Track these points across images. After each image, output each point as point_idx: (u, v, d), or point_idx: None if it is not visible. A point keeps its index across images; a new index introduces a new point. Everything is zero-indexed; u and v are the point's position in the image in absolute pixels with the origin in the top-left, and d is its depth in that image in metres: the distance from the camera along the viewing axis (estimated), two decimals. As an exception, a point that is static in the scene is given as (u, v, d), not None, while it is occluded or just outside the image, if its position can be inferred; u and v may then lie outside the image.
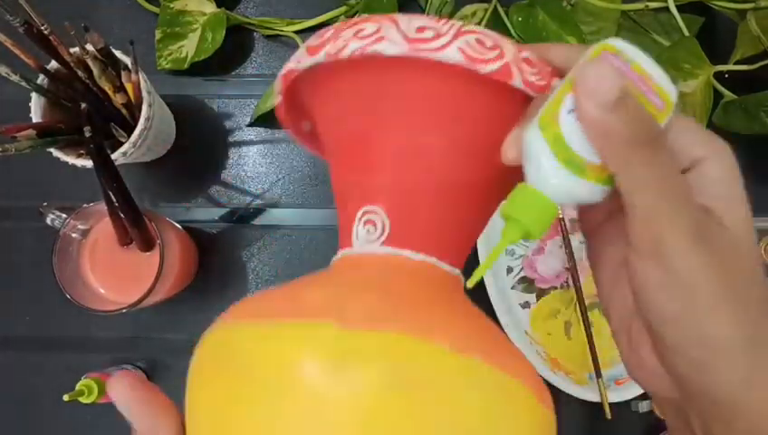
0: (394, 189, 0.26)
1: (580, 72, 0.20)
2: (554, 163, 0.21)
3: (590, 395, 0.49)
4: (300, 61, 0.24)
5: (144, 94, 0.47)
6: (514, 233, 0.23)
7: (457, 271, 0.27)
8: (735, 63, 0.52)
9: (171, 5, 0.55)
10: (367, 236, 0.26)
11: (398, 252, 0.26)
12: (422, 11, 0.57)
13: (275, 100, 0.28)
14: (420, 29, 0.22)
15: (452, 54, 0.22)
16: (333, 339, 0.20)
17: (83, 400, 0.47)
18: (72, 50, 0.46)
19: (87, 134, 0.40)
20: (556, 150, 0.21)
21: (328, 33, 0.24)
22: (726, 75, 0.52)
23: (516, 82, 0.23)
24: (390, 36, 0.22)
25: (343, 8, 0.56)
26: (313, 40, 0.25)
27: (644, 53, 0.21)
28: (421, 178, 0.25)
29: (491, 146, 0.25)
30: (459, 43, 0.22)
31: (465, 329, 0.23)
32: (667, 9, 0.51)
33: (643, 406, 0.51)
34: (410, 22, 0.23)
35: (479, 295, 0.50)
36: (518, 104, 0.24)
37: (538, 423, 0.23)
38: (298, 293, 0.23)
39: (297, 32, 0.57)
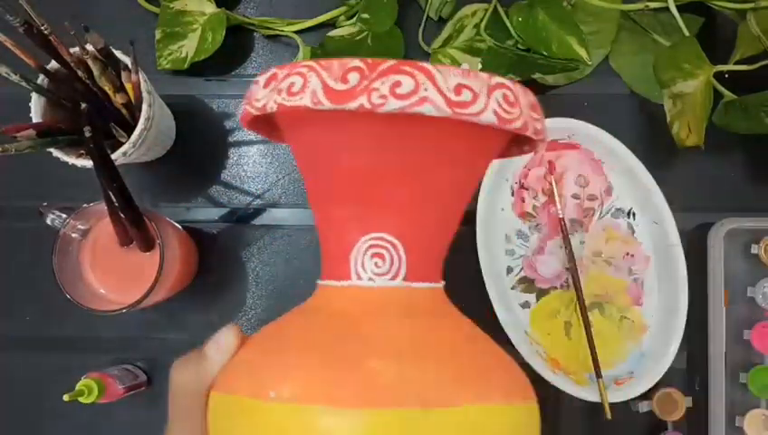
0: (408, 224, 0.26)
1: None
2: None
3: (590, 395, 0.49)
4: (317, 103, 0.23)
5: (144, 94, 0.47)
6: None
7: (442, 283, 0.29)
8: (735, 63, 0.52)
9: (171, 5, 0.55)
10: (376, 268, 0.27)
11: (418, 285, 0.27)
12: (422, 11, 0.57)
13: (246, 107, 0.27)
14: (458, 89, 0.23)
15: (488, 118, 0.23)
16: (421, 423, 0.23)
17: (83, 400, 0.47)
18: (72, 50, 0.46)
19: (87, 134, 0.40)
20: None
21: (350, 75, 0.23)
22: (726, 75, 0.52)
23: (530, 132, 0.25)
24: (433, 98, 0.22)
25: (343, 8, 0.56)
26: (333, 81, 0.23)
27: None
28: (431, 210, 0.27)
29: (478, 170, 0.28)
30: (493, 105, 0.23)
31: (495, 369, 0.26)
32: (667, 9, 0.51)
33: (643, 406, 0.51)
34: (447, 79, 0.23)
35: (479, 296, 0.50)
36: (504, 136, 0.27)
37: (536, 420, 0.26)
38: (364, 365, 0.24)
39: (297, 32, 0.57)
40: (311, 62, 0.24)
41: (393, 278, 0.27)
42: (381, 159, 0.25)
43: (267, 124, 0.30)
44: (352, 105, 0.22)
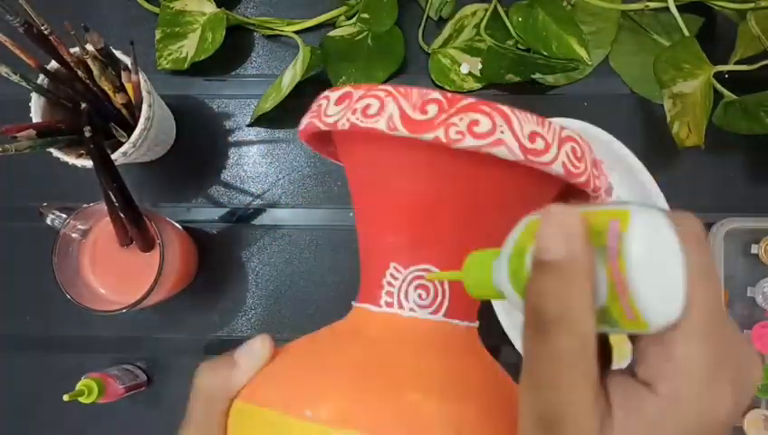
0: (456, 261, 0.25)
1: (545, 222, 0.19)
2: (510, 289, 0.21)
3: (590, 395, 0.49)
4: (393, 129, 0.23)
5: (144, 94, 0.47)
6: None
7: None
8: (735, 64, 0.52)
9: (171, 5, 0.55)
10: (419, 300, 0.27)
11: (456, 323, 0.27)
12: (422, 11, 0.57)
13: (314, 121, 0.27)
14: (532, 137, 0.23)
15: (558, 169, 0.24)
16: None
17: (83, 400, 0.47)
18: (72, 50, 0.46)
19: (87, 134, 0.40)
20: (513, 282, 0.21)
21: (429, 107, 0.23)
22: (726, 75, 0.52)
23: (590, 188, 0.25)
24: (508, 142, 0.23)
25: (343, 8, 0.56)
26: (411, 110, 0.24)
27: (665, 246, 0.18)
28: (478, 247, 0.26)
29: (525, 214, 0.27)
30: (563, 157, 0.24)
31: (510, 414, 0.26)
32: (667, 9, 0.51)
33: (643, 406, 0.51)
34: (523, 125, 0.23)
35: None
36: (559, 184, 0.27)
37: None
38: (403, 397, 0.24)
39: (297, 32, 0.57)
40: (389, 87, 0.24)
41: (435, 312, 0.27)
42: (440, 191, 0.25)
43: (322, 138, 0.30)
44: (428, 136, 0.23)
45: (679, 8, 0.51)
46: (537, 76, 0.54)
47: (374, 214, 0.27)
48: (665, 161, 0.55)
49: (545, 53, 0.53)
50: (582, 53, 0.52)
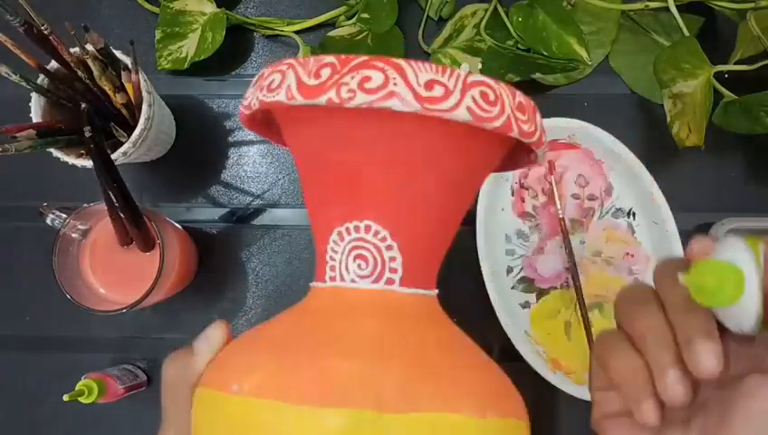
0: (393, 221, 0.26)
1: None
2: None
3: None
4: (291, 98, 0.23)
5: (144, 94, 0.47)
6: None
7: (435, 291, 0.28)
8: (735, 63, 0.52)
9: (171, 5, 0.55)
10: (358, 270, 0.26)
11: (403, 291, 0.26)
12: (422, 11, 0.57)
13: (240, 107, 0.27)
14: (429, 85, 0.22)
15: (462, 114, 0.23)
16: (374, 426, 0.22)
17: (83, 400, 0.47)
18: (72, 50, 0.46)
19: (87, 134, 0.40)
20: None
21: (322, 71, 0.23)
22: (726, 75, 0.52)
23: (514, 133, 0.24)
24: (401, 93, 0.22)
25: (343, 8, 0.56)
26: (306, 76, 0.23)
27: None
28: (418, 212, 0.26)
29: (472, 175, 0.27)
30: (467, 102, 0.23)
31: (473, 380, 0.25)
32: (667, 9, 0.51)
33: (643, 406, 0.51)
34: (418, 74, 0.22)
35: (480, 296, 0.50)
36: (496, 139, 0.26)
37: None
38: (323, 362, 0.23)
39: (297, 32, 0.57)
40: (292, 60, 0.24)
41: (375, 281, 0.26)
42: (365, 157, 0.25)
43: (269, 125, 0.29)
44: (322, 99, 0.22)
45: (679, 8, 0.51)
46: (537, 76, 0.54)
47: (310, 190, 0.28)
48: (665, 161, 0.55)
49: (545, 53, 0.53)
50: (582, 52, 0.52)
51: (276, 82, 0.24)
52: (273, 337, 0.26)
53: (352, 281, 0.26)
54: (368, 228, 0.26)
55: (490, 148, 0.27)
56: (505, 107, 0.24)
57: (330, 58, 0.23)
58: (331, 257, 0.27)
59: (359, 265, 0.26)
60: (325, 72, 0.23)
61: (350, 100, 0.22)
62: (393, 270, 0.26)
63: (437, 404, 0.23)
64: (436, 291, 0.28)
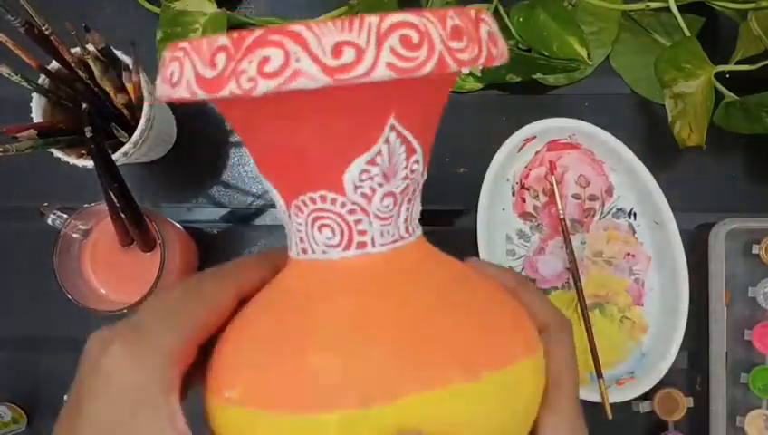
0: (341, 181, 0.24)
1: None
2: None
3: (591, 395, 0.49)
4: (194, 94, 0.20)
5: (145, 94, 0.47)
6: None
7: (419, 231, 0.27)
8: (736, 64, 0.51)
9: (172, 6, 0.55)
10: (327, 241, 0.24)
11: (378, 250, 0.25)
12: (423, 11, 0.57)
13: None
14: (337, 49, 0.19)
15: (381, 74, 0.19)
16: (364, 423, 0.21)
17: (84, 400, 0.47)
18: (72, 50, 0.46)
19: (88, 134, 0.40)
20: None
21: (217, 57, 0.20)
22: (727, 75, 0.52)
23: (452, 68, 0.20)
24: (306, 70, 0.19)
25: (343, 8, 0.56)
26: (202, 66, 0.20)
27: None
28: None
29: (431, 111, 0.25)
30: (386, 56, 0.19)
31: (463, 339, 0.23)
32: (668, 9, 0.51)
33: (644, 406, 0.51)
34: (322, 39, 0.19)
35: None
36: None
37: (541, 370, 0.25)
38: (303, 360, 0.22)
39: (298, 32, 0.57)
40: (185, 44, 0.20)
41: (346, 249, 0.24)
42: (296, 131, 0.23)
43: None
44: (224, 93, 0.19)
45: (680, 8, 0.51)
46: (538, 76, 0.54)
47: (260, 164, 0.25)
48: (666, 161, 0.55)
49: (546, 53, 0.53)
50: (583, 53, 0.52)
51: (177, 75, 0.21)
52: (254, 331, 0.24)
53: (323, 253, 0.24)
54: (323, 198, 0.24)
55: (430, 84, 0.24)
56: (435, 44, 0.20)
57: (222, 39, 0.19)
58: (297, 230, 0.25)
59: (326, 236, 0.24)
60: (220, 60, 0.20)
61: (252, 90, 0.19)
62: (362, 232, 0.24)
63: (424, 383, 0.21)
64: (420, 230, 0.26)
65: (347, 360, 0.22)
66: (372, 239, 0.24)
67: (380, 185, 0.24)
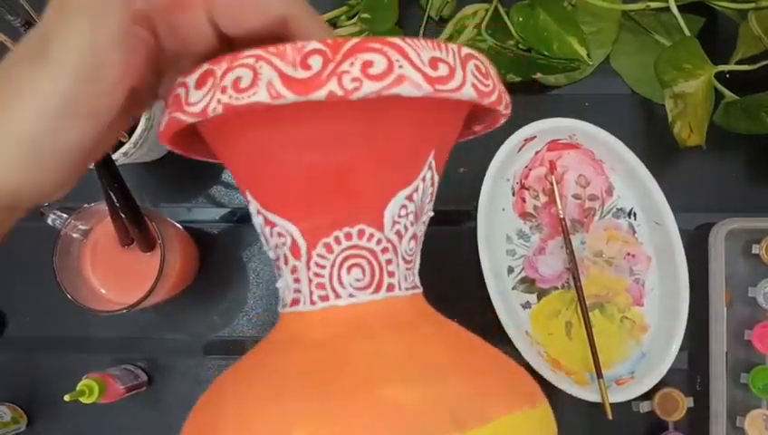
0: (382, 221, 0.23)
1: None
2: None
3: (591, 395, 0.49)
4: (277, 96, 0.19)
5: (145, 94, 0.47)
6: None
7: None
8: (736, 64, 0.51)
9: (172, 5, 0.55)
10: (356, 283, 0.23)
11: (402, 294, 0.24)
12: (423, 11, 0.57)
13: (175, 115, 0.22)
14: (433, 63, 0.20)
15: (468, 93, 0.21)
16: None
17: (84, 400, 0.47)
18: (72, 50, 0.45)
19: (88, 134, 0.40)
20: None
21: (311, 60, 0.19)
22: (727, 75, 0.52)
23: (502, 106, 0.23)
24: (411, 76, 0.20)
25: (344, 8, 0.56)
26: (291, 69, 0.19)
27: None
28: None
29: (442, 147, 0.25)
30: (470, 78, 0.21)
31: (508, 374, 0.24)
32: (668, 9, 0.51)
33: (644, 406, 0.51)
34: (420, 53, 0.20)
35: (480, 296, 0.50)
36: (461, 109, 0.24)
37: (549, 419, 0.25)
38: (371, 392, 0.21)
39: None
40: (257, 51, 0.20)
41: (376, 291, 0.23)
42: (349, 151, 0.22)
43: (191, 136, 0.25)
44: (321, 94, 0.19)
45: (680, 8, 0.51)
46: (538, 76, 0.54)
47: (272, 203, 0.24)
48: (666, 161, 0.55)
49: (546, 53, 0.53)
50: (583, 52, 0.52)
51: (248, 80, 0.20)
52: (297, 383, 0.22)
53: (350, 296, 0.23)
54: (361, 233, 0.23)
55: (458, 122, 0.25)
56: (494, 79, 0.22)
57: (314, 44, 0.19)
58: (315, 274, 0.23)
59: (355, 277, 0.23)
60: (315, 62, 0.19)
61: (356, 90, 0.19)
62: (391, 274, 0.23)
63: (504, 407, 0.22)
64: (421, 288, 0.26)
65: (426, 388, 0.21)
66: (399, 283, 0.24)
67: (412, 224, 0.24)
